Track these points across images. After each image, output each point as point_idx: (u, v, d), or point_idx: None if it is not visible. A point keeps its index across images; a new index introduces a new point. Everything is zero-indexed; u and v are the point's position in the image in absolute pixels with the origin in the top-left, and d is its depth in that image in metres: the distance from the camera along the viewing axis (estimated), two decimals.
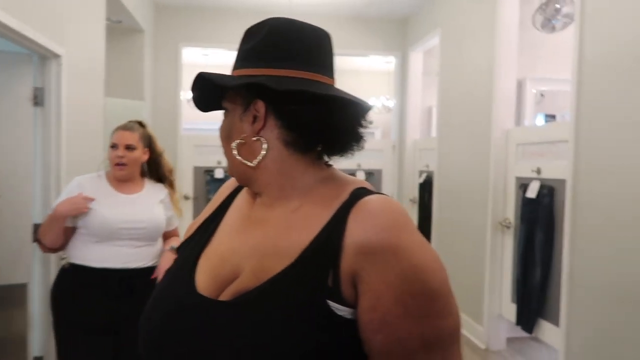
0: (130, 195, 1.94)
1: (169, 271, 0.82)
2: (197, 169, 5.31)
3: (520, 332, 3.43)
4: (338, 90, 0.76)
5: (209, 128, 7.85)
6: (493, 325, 3.52)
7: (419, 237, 0.68)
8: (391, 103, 5.96)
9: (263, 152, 0.73)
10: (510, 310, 3.35)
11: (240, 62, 0.76)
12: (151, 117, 4.91)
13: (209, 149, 5.32)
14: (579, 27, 2.53)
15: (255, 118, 0.73)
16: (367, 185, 0.77)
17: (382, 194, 0.72)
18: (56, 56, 2.49)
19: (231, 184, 0.89)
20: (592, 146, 2.45)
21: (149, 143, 1.99)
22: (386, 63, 6.62)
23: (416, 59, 5.30)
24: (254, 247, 0.71)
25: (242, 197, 0.83)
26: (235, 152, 0.75)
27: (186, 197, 5.26)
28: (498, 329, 3.53)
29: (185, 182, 5.26)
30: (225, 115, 0.78)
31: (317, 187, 0.74)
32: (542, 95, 4.35)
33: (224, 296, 0.69)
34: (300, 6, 4.86)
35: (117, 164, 1.89)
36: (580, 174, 2.53)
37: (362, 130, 0.77)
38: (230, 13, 5.09)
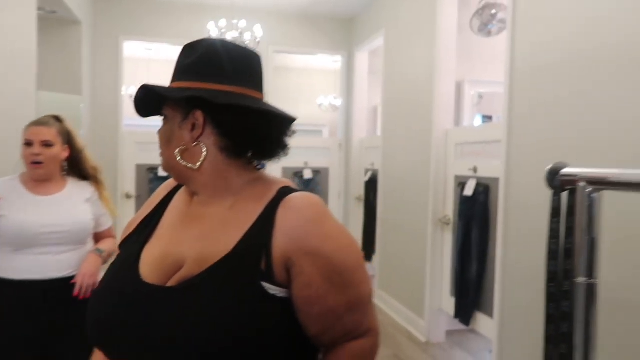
0: (49, 196, 1.76)
1: (112, 266, 0.89)
2: (139, 167, 5.16)
3: (458, 325, 3.57)
4: (267, 104, 0.87)
5: (152, 124, 7.66)
6: (433, 319, 3.64)
7: (337, 223, 0.82)
8: (338, 102, 6.01)
9: (204, 154, 0.83)
10: (449, 304, 3.48)
11: (180, 75, 0.86)
12: (90, 112, 4.72)
13: (153, 146, 5.14)
14: (511, 32, 2.66)
15: (194, 126, 0.84)
16: (291, 184, 0.89)
17: (303, 191, 0.84)
18: None
19: (169, 184, 0.98)
20: (523, 146, 2.58)
21: (68, 139, 1.83)
22: (333, 62, 6.68)
23: (362, 59, 5.37)
24: (194, 240, 0.81)
25: (180, 196, 0.92)
26: (179, 157, 0.85)
27: (128, 196, 5.10)
28: (438, 322, 3.66)
29: (127, 180, 5.10)
30: (165, 121, 0.87)
31: (248, 187, 0.86)
32: (480, 96, 4.53)
33: (170, 283, 0.79)
34: (245, 2, 4.82)
35: (33, 163, 1.72)
36: (511, 173, 2.66)
37: (287, 139, 0.89)
38: (173, 7, 4.97)
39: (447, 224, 3.51)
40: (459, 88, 4.10)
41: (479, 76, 4.24)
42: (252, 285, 0.75)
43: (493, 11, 3.30)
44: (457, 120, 4.13)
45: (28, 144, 1.73)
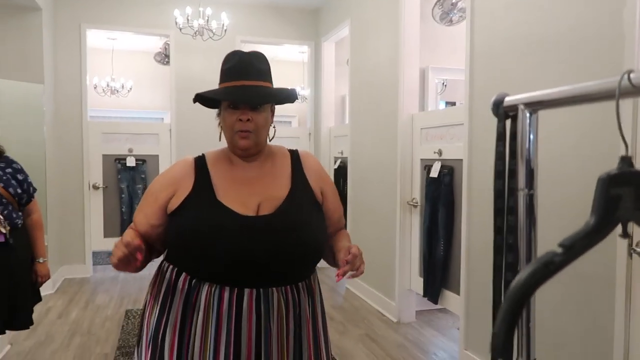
0: None
1: (198, 214, 1.20)
2: (106, 157, 5.08)
3: (428, 305, 3.69)
4: None
5: (117, 116, 7.54)
6: (403, 300, 3.75)
7: None
8: (306, 92, 6.05)
9: (273, 132, 1.30)
10: (418, 284, 3.60)
11: (265, 77, 1.26)
12: (53, 102, 4.61)
13: (119, 137, 5.11)
14: (470, 20, 2.77)
15: (272, 113, 1.29)
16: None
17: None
18: None
19: (187, 164, 1.29)
20: (483, 128, 2.69)
21: None
22: (300, 53, 6.71)
23: (328, 49, 5.43)
24: (262, 189, 1.23)
25: (220, 167, 1.28)
26: (271, 133, 1.29)
27: (95, 187, 5.02)
28: (408, 302, 3.77)
29: (93, 171, 5.01)
30: (259, 111, 1.23)
31: (270, 149, 1.33)
32: (444, 84, 4.66)
33: (264, 213, 1.20)
34: None
35: None
36: (473, 154, 2.78)
37: None
38: None
39: (415, 206, 3.62)
40: (422, 75, 4.21)
41: (442, 63, 4.36)
42: (312, 199, 1.28)
43: (453, 0, 3.40)
44: (422, 107, 4.24)
45: None
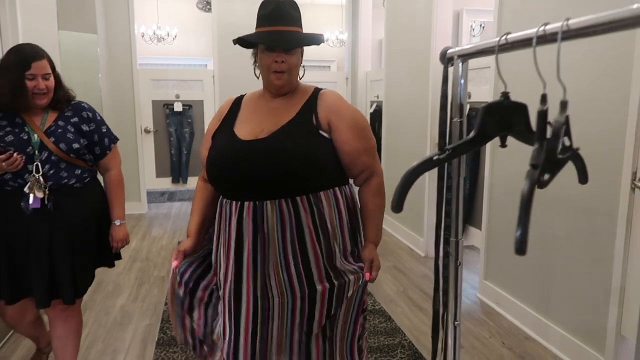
0: None
1: (218, 143, 1.43)
2: (155, 103, 5.43)
3: None
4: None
5: (164, 63, 7.87)
6: (431, 235, 3.97)
7: (350, 104, 1.48)
8: (344, 36, 6.12)
9: (303, 71, 1.48)
10: None
11: (297, 23, 1.39)
12: (106, 50, 4.93)
13: (167, 83, 5.42)
14: None
15: (302, 55, 1.44)
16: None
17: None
18: None
19: (229, 102, 1.53)
20: (509, 71, 2.77)
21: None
22: None
23: None
24: (272, 117, 1.38)
25: (250, 101, 1.48)
26: (301, 72, 1.46)
27: (147, 131, 5.40)
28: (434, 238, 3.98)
29: (144, 116, 5.37)
30: (293, 53, 1.38)
31: (298, 87, 1.48)
32: (482, 26, 4.63)
33: (261, 136, 1.35)
34: None
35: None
36: (497, 97, 2.87)
37: None
38: None
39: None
40: (457, 18, 4.21)
41: (477, 5, 4.32)
42: (312, 128, 1.36)
43: None
44: None
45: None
